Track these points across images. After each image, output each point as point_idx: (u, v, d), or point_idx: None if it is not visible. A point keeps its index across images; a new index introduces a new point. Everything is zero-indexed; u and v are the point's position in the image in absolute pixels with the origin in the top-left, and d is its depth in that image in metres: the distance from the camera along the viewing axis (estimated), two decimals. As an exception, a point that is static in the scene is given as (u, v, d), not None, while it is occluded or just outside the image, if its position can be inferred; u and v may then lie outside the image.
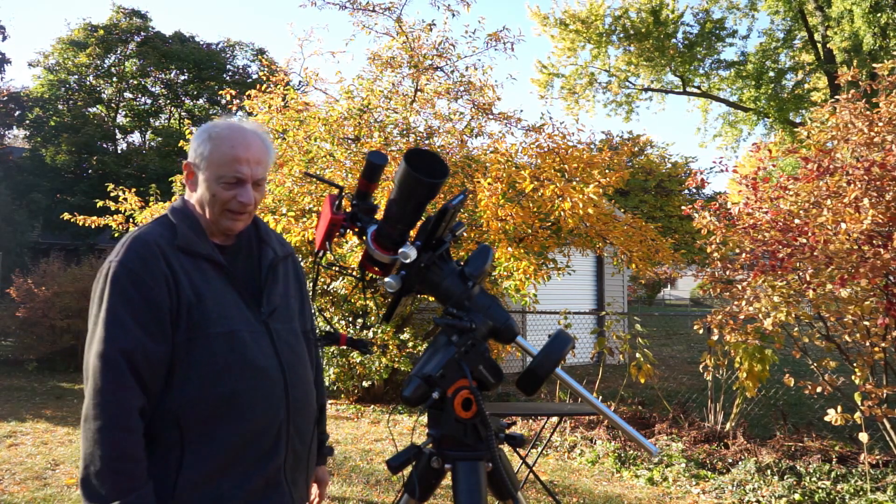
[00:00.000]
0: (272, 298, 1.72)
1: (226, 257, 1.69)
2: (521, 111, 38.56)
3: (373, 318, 7.42)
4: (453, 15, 9.00)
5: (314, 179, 6.98)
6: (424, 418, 1.49)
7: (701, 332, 5.95)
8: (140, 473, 1.51)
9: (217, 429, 1.57)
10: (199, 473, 1.55)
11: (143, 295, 1.54)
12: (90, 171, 22.71)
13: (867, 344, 4.42)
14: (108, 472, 1.48)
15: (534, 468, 4.43)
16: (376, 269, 1.56)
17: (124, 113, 25.61)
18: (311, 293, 1.96)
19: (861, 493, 4.52)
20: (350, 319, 7.69)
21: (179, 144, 13.14)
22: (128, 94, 25.44)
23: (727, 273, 5.28)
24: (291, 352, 1.72)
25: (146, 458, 1.52)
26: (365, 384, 7.74)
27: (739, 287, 4.94)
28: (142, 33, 24.53)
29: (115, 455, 1.49)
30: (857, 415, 4.50)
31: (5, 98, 21.48)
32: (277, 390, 1.64)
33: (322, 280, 7.50)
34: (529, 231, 6.63)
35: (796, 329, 4.84)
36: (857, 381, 4.47)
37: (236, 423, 1.59)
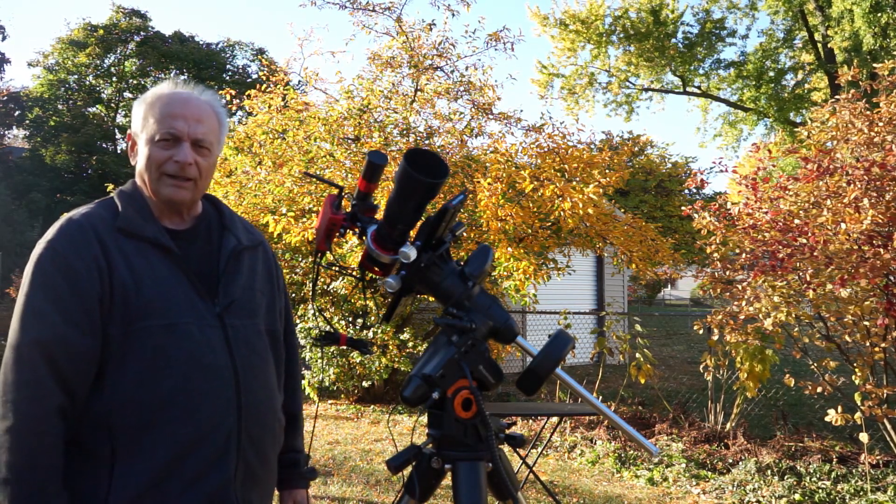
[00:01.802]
0: (231, 290, 1.53)
1: (179, 243, 1.50)
2: (521, 111, 38.53)
3: (373, 318, 7.42)
4: (453, 15, 8.98)
5: (314, 179, 6.98)
6: (424, 418, 1.49)
7: (701, 332, 5.94)
8: (51, 488, 1.32)
9: (154, 435, 1.38)
10: (133, 487, 1.36)
11: (68, 280, 1.37)
12: (90, 170, 22.77)
13: (867, 344, 4.42)
14: (14, 482, 1.29)
15: (534, 468, 4.42)
16: (376, 269, 1.55)
17: (124, 113, 25.65)
18: (311, 293, 1.92)
19: (861, 493, 4.51)
20: (350, 319, 7.69)
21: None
22: (127, 94, 25.49)
23: (727, 273, 5.28)
24: (250, 351, 1.53)
25: (62, 468, 1.34)
26: (365, 384, 7.74)
27: (739, 287, 4.94)
28: (141, 33, 24.59)
29: (24, 462, 1.30)
30: (858, 415, 4.50)
31: (5, 98, 21.51)
32: (227, 392, 1.45)
33: (322, 280, 7.50)
34: (529, 231, 6.62)
35: (796, 329, 4.83)
36: (857, 382, 4.47)
37: (175, 427, 1.39)
